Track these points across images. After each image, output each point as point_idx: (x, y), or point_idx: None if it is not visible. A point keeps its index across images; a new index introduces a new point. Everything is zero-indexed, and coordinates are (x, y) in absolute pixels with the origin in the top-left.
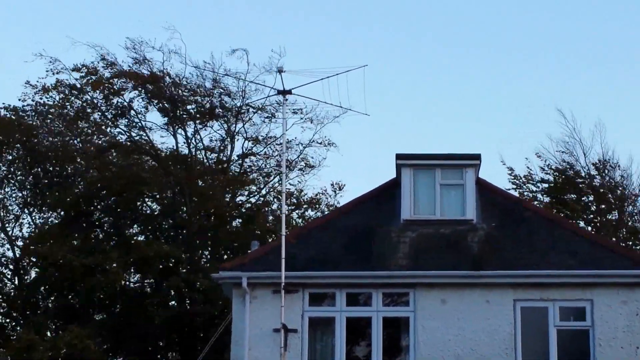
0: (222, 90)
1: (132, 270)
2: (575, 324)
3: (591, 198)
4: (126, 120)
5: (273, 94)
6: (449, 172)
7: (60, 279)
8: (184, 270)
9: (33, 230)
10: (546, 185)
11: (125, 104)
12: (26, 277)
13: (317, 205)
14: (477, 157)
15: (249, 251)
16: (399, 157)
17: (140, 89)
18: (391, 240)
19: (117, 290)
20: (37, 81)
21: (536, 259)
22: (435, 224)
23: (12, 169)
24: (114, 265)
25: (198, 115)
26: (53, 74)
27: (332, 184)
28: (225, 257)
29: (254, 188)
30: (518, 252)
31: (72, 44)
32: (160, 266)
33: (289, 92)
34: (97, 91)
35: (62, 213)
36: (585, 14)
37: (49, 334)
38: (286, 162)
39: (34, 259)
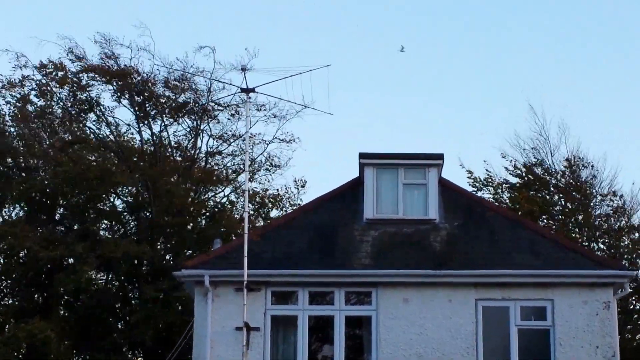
0: (189, 87)
1: (97, 268)
2: (536, 324)
3: (557, 196)
4: (95, 116)
5: (237, 92)
6: (412, 171)
7: (24, 272)
8: (144, 269)
9: None
10: (511, 183)
11: (93, 99)
12: None
13: (279, 203)
14: (440, 156)
15: (212, 249)
16: (362, 156)
17: (107, 82)
18: (354, 239)
19: (81, 287)
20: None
21: (498, 258)
22: (398, 223)
23: None
24: (79, 260)
25: (167, 110)
26: (20, 68)
27: (294, 181)
28: (189, 253)
29: (219, 188)
30: (480, 251)
31: (39, 42)
32: (126, 265)
33: (252, 90)
34: (65, 87)
35: (25, 208)
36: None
37: (7, 328)
38: (250, 161)
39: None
